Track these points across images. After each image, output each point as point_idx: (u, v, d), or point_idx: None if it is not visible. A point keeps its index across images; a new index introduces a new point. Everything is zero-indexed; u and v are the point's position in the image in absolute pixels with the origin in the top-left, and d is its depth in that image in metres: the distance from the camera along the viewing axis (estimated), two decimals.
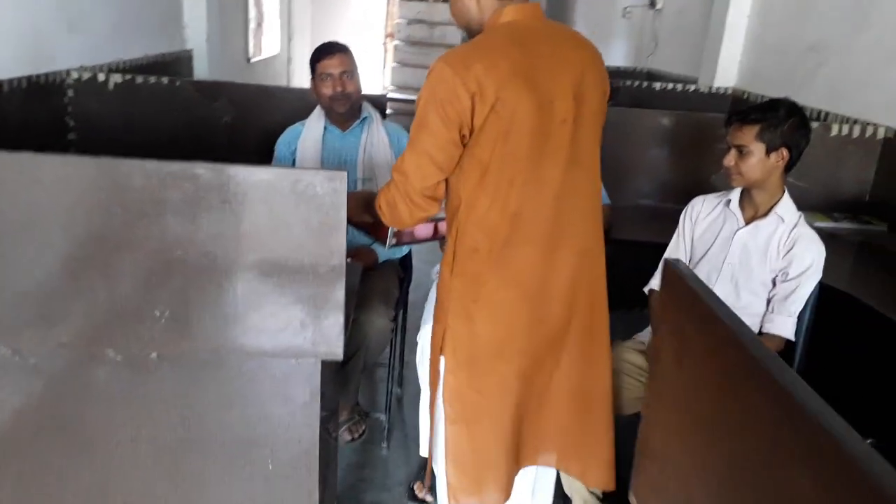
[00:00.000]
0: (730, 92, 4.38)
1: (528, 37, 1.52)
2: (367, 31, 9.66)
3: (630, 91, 4.31)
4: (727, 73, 4.43)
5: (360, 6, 9.59)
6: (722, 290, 2.00)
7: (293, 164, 2.48)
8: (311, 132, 2.45)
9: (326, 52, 2.38)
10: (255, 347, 1.51)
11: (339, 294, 1.47)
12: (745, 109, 1.96)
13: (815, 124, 2.84)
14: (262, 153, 2.90)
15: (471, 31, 1.63)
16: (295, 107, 2.90)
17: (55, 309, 1.46)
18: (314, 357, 1.52)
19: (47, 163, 1.42)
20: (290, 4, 7.35)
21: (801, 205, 2.91)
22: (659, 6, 6.02)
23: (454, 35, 9.34)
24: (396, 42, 9.21)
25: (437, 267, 2.44)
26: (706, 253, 2.05)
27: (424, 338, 2.20)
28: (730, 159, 1.93)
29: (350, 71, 2.40)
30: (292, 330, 1.49)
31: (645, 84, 4.40)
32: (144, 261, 1.44)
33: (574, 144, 1.53)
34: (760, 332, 1.98)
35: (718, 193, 2.13)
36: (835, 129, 2.89)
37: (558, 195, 1.53)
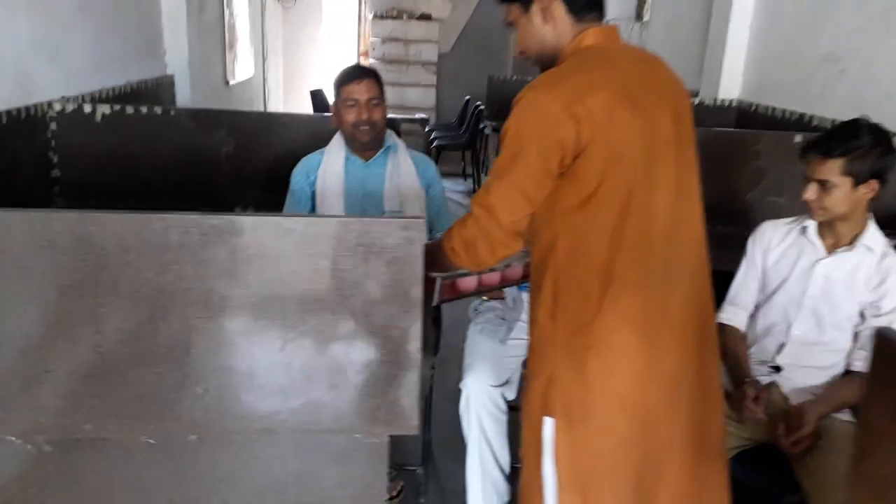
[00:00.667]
0: (735, 104, 4.28)
1: (618, 58, 1.42)
2: (339, 51, 9.46)
3: None
4: (731, 85, 4.33)
5: (332, 26, 9.39)
6: (804, 325, 1.84)
7: (312, 196, 2.27)
8: (332, 163, 2.24)
9: (353, 76, 2.20)
10: (312, 423, 1.29)
11: (415, 358, 1.26)
12: (821, 139, 1.79)
13: None
14: (268, 185, 2.69)
15: (543, 59, 1.50)
16: (300, 134, 2.69)
17: (76, 392, 1.23)
18: (384, 432, 1.31)
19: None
20: (263, 25, 7.12)
21: None
22: (646, 18, 5.95)
23: (430, 52, 9.21)
24: (372, 61, 9.03)
25: (480, 302, 2.27)
26: (782, 285, 1.89)
27: (471, 388, 2.00)
28: (811, 193, 1.77)
29: (377, 98, 2.21)
30: (359, 401, 1.28)
31: None
32: (183, 330, 1.21)
33: (679, 169, 1.40)
34: (848, 371, 1.82)
35: (790, 220, 1.96)
36: None
37: (670, 224, 1.38)
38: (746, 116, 4.18)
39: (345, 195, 2.20)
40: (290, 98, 8.24)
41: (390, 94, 9.22)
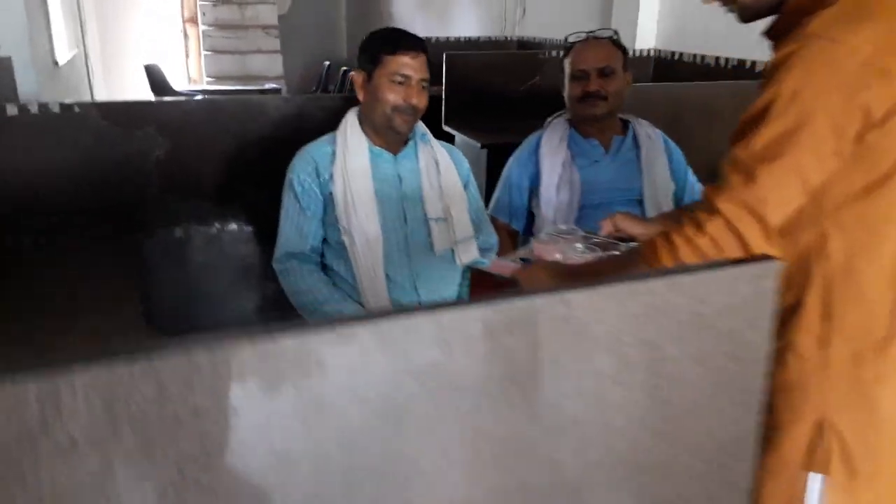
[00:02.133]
0: (652, 54, 4.15)
1: None
2: (162, 17, 8.30)
3: (550, 63, 3.90)
4: (646, 34, 4.19)
5: None
6: None
7: (324, 201, 1.73)
8: (354, 157, 1.71)
9: (408, 45, 1.68)
10: None
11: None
12: None
13: None
14: (220, 196, 2.08)
15: (760, 5, 1.12)
16: (261, 123, 2.09)
17: None
18: None
19: None
20: None
21: None
22: None
23: (268, 14, 8.35)
24: (204, 27, 8.01)
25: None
26: None
27: None
28: None
29: (427, 80, 1.72)
30: None
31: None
32: None
33: None
34: None
35: None
36: None
37: None
38: (667, 67, 4.06)
39: (377, 200, 1.69)
40: (112, 77, 7.09)
41: (230, 64, 8.31)
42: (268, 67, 8.32)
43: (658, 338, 0.59)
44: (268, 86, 7.53)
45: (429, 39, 5.31)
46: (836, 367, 1.08)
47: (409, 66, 1.66)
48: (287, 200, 1.74)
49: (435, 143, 1.83)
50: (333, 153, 1.73)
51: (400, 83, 1.66)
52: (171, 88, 6.54)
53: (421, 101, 1.69)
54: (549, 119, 2.06)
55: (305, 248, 1.71)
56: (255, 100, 2.27)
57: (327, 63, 6.96)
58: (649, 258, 1.11)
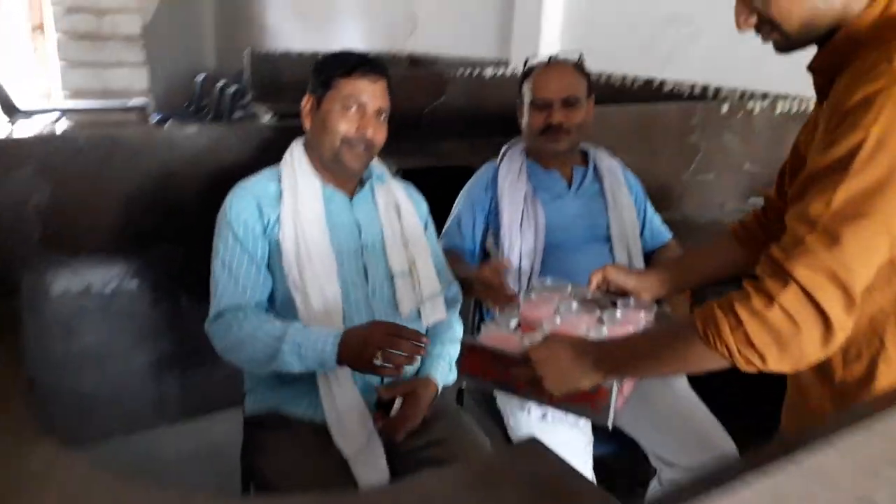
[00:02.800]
0: None
1: None
2: (3, 24, 7.42)
3: (454, 83, 3.75)
4: (548, 52, 4.12)
5: None
6: None
7: (270, 247, 1.44)
8: (307, 198, 1.44)
9: (364, 68, 1.44)
10: None
11: None
12: None
13: (759, 103, 2.64)
14: (119, 251, 1.74)
15: (807, 32, 0.99)
16: (167, 159, 1.77)
17: None
18: None
19: None
20: None
21: (753, 191, 2.74)
22: None
23: (130, 23, 7.68)
24: (57, 35, 7.23)
25: None
26: None
27: None
28: None
29: (387, 112, 1.48)
30: None
31: (471, 71, 3.86)
32: None
33: None
34: None
35: None
36: (780, 107, 2.71)
37: None
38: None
39: (335, 249, 1.43)
40: None
41: (88, 78, 7.56)
42: (130, 82, 7.63)
43: None
44: (132, 102, 6.89)
45: (307, 53, 5.03)
46: None
47: (366, 91, 1.43)
48: (223, 247, 1.42)
49: (393, 182, 1.60)
50: (280, 192, 1.45)
51: (351, 109, 1.42)
52: (15, 108, 5.81)
53: (378, 134, 1.45)
54: (504, 148, 1.88)
55: (250, 303, 1.40)
56: (162, 133, 1.92)
57: (201, 76, 6.46)
58: (709, 334, 0.94)
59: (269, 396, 1.48)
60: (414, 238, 1.52)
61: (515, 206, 1.73)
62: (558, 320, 1.30)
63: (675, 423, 1.65)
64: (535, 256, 1.72)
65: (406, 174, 2.83)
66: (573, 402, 1.15)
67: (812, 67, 1.02)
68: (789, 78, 2.81)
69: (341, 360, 1.30)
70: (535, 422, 1.60)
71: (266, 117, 4.72)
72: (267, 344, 1.33)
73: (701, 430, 1.63)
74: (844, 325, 0.88)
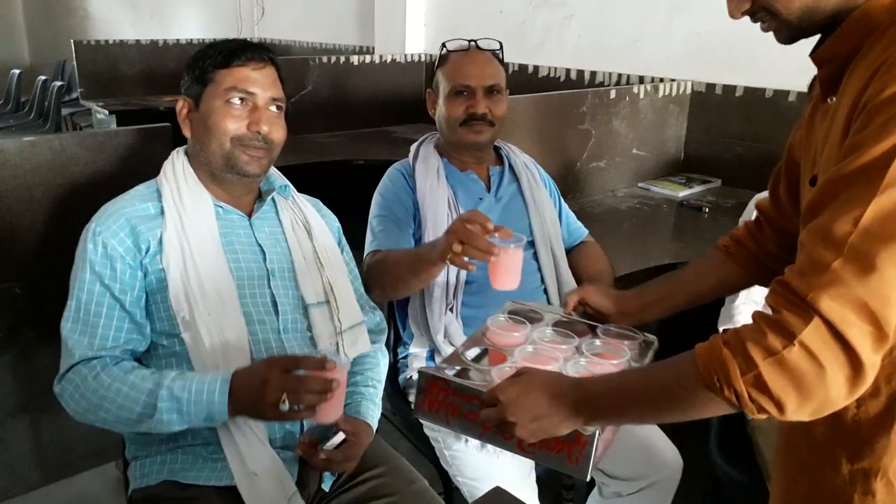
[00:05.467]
0: (423, 58, 3.91)
1: None
2: None
3: (320, 69, 3.48)
4: (414, 39, 3.94)
5: None
6: None
7: (153, 283, 1.15)
8: (195, 217, 1.18)
9: (248, 54, 1.20)
10: None
11: None
12: None
13: (643, 87, 2.61)
14: None
15: (810, 17, 0.85)
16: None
17: None
18: None
19: None
20: None
21: (642, 175, 2.72)
22: None
23: None
24: None
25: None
26: None
27: None
28: None
29: (282, 102, 1.25)
30: None
31: (336, 59, 3.60)
32: None
33: None
34: None
35: None
36: (662, 90, 2.69)
37: None
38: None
39: (235, 278, 1.17)
40: None
41: None
42: None
43: None
44: None
45: (145, 42, 4.52)
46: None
47: (252, 79, 1.19)
48: (78, 285, 1.12)
49: (299, 197, 1.35)
50: (160, 213, 1.17)
51: (240, 103, 1.19)
52: None
53: (274, 129, 1.22)
54: (414, 147, 1.67)
55: (112, 353, 1.12)
56: None
57: (16, 72, 5.67)
58: (714, 377, 0.79)
59: (161, 464, 1.19)
60: (330, 260, 1.28)
61: (438, 211, 1.53)
62: (530, 349, 1.14)
63: (617, 435, 1.55)
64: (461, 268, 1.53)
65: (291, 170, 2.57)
66: (547, 450, 0.98)
67: (817, 57, 0.89)
68: (664, 61, 2.87)
69: (235, 410, 1.06)
70: (473, 451, 1.44)
71: (101, 115, 4.18)
72: (135, 400, 1.06)
73: (644, 441, 1.54)
74: (875, 364, 0.75)
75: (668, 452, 1.53)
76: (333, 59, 3.59)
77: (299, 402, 1.02)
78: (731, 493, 1.65)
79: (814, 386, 0.74)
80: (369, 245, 1.55)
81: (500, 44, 1.62)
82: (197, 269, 1.13)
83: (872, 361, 0.74)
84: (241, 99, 1.18)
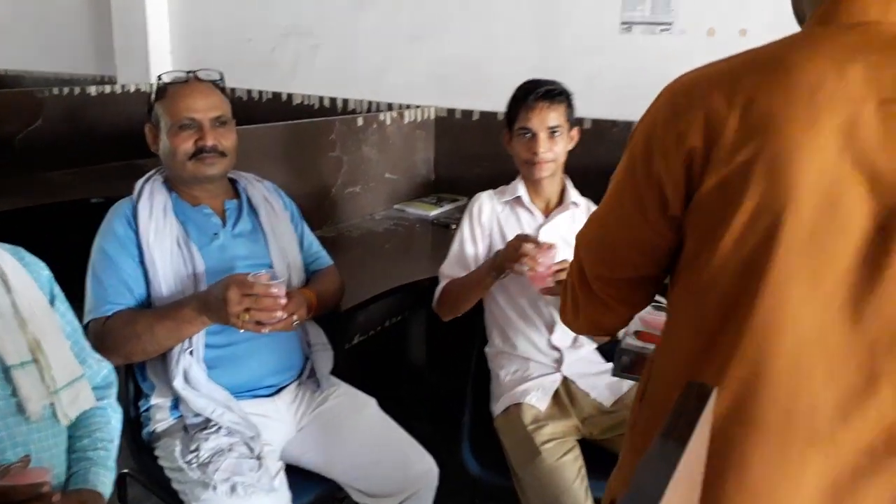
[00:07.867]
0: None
1: None
2: None
3: (51, 103, 3.19)
4: (157, 68, 3.74)
5: None
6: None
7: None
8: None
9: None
10: None
11: None
12: (535, 87, 1.72)
13: (389, 114, 2.73)
14: None
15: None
16: None
17: None
18: None
19: None
20: None
21: (396, 198, 2.83)
22: None
23: None
24: None
25: None
26: None
27: None
28: (543, 144, 1.71)
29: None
30: None
31: (70, 90, 3.32)
32: None
33: None
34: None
35: (497, 190, 1.89)
36: (408, 116, 2.82)
37: None
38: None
39: None
40: None
41: None
42: None
43: None
44: None
45: None
46: None
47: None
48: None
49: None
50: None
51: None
52: None
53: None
54: (139, 183, 1.58)
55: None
56: None
57: None
58: None
59: None
60: (34, 314, 1.17)
61: (166, 253, 1.47)
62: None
63: (370, 454, 1.59)
64: None
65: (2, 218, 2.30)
66: None
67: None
68: (408, 88, 3.02)
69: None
70: (223, 497, 1.39)
71: None
72: None
73: (398, 453, 1.60)
74: None
75: (423, 461, 1.60)
76: (67, 90, 3.31)
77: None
78: (487, 491, 1.77)
79: None
80: (96, 302, 1.45)
81: (221, 74, 1.61)
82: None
83: None
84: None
